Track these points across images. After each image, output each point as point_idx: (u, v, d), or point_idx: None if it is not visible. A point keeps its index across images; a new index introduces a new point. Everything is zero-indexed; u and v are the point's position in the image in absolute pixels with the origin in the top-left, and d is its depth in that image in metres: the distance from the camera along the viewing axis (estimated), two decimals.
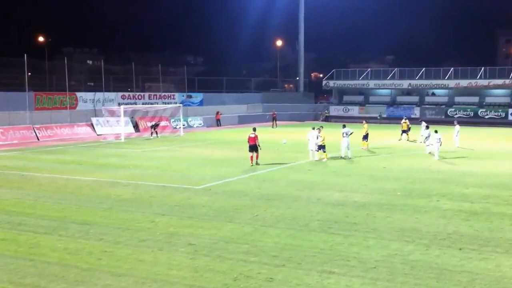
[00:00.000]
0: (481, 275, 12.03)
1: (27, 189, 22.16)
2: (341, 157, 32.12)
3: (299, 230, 15.67)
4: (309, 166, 29.11)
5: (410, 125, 44.74)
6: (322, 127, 32.15)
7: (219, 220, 16.87)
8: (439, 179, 24.66)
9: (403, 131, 44.05)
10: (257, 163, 28.69)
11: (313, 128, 31.81)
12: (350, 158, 31.90)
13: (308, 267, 12.46)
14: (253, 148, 28.73)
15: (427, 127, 35.70)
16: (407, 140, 43.19)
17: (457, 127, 38.06)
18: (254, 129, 29.57)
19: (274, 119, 63.06)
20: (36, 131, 45.68)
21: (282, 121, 66.50)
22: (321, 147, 30.66)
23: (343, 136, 32.28)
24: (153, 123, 49.80)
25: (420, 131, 43.14)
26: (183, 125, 55.71)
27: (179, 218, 17.09)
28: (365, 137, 37.52)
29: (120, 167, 28.62)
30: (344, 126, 33.04)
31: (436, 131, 32.22)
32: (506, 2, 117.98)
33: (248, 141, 28.83)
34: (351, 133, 32.44)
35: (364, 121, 39.21)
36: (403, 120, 44.97)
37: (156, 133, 48.07)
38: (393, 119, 67.29)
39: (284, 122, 68.01)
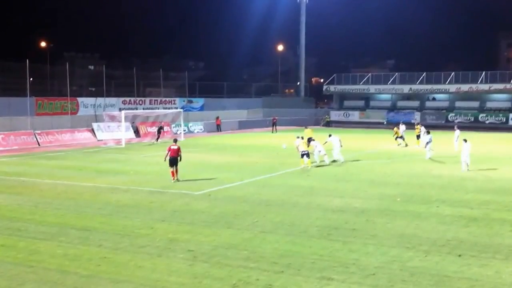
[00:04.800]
0: (480, 282, 12.03)
1: (27, 195, 22.16)
2: (333, 161, 32.49)
3: (298, 236, 15.67)
4: (308, 171, 29.14)
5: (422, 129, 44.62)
6: (302, 137, 32.15)
7: (218, 226, 16.87)
8: (439, 184, 24.68)
9: (398, 137, 43.98)
10: (177, 180, 25.51)
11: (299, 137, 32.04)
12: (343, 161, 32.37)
13: (307, 274, 12.46)
14: (174, 161, 25.55)
15: (428, 132, 35.61)
16: (406, 145, 43.03)
17: (457, 131, 38.02)
18: (175, 141, 26.77)
19: (274, 124, 63.07)
20: (37, 137, 45.67)
21: (282, 126, 66.49)
22: (306, 154, 30.14)
23: (336, 145, 32.61)
24: (158, 126, 49.94)
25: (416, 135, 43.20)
26: (184, 130, 55.69)
27: (178, 224, 17.10)
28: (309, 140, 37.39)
29: (120, 173, 28.64)
30: (330, 136, 33.51)
31: (465, 140, 30.25)
32: (507, 6, 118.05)
33: (169, 153, 25.63)
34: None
35: (305, 127, 39.82)
36: (400, 125, 45.02)
37: (159, 136, 48.01)
38: (394, 124, 67.50)
39: (285, 127, 67.95)
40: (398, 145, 43.32)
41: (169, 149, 25.69)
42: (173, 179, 25.60)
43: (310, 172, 28.92)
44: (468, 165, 29.04)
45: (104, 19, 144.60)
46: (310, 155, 30.89)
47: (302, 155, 30.16)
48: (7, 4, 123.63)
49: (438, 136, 40.93)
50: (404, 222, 17.41)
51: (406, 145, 43.15)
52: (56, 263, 13.25)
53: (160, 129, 48.89)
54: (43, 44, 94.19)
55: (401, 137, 43.71)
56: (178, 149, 25.64)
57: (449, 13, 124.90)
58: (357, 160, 34.08)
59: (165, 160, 26.05)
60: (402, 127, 44.86)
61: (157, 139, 47.84)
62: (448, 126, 62.93)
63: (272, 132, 61.51)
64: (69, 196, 22.00)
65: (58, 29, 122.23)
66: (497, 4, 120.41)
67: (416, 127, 44.83)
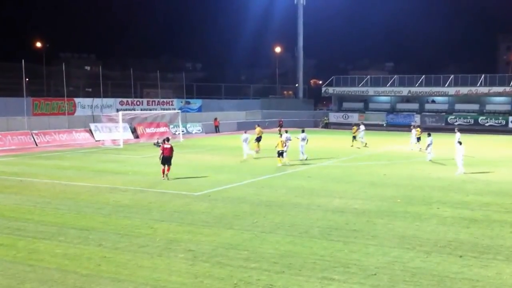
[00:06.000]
0: (481, 283, 12.00)
1: (25, 195, 22.07)
2: (299, 160, 33.57)
3: (299, 236, 15.62)
4: (308, 172, 29.10)
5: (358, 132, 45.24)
6: (286, 131, 33.88)
7: (219, 226, 16.80)
8: (439, 186, 24.63)
9: (354, 137, 44.60)
10: (167, 178, 25.90)
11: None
12: (306, 159, 33.68)
13: (308, 274, 12.41)
14: (167, 160, 25.97)
15: (429, 135, 35.29)
16: (357, 147, 43.34)
17: (458, 134, 37.82)
18: (168, 139, 27.16)
19: (280, 126, 62.82)
20: (34, 137, 45.54)
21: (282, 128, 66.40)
22: (281, 153, 31.17)
23: (301, 140, 34.02)
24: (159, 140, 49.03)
25: (411, 137, 43.17)
26: (182, 131, 55.59)
27: (178, 224, 17.02)
28: (258, 139, 38.89)
29: (119, 173, 28.55)
30: (303, 131, 34.86)
31: (460, 143, 29.54)
32: (507, 9, 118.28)
33: (162, 152, 26.06)
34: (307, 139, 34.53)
35: (256, 125, 41.14)
36: (358, 127, 45.72)
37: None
38: (394, 126, 68.02)
39: (283, 128, 67.81)
40: (358, 147, 43.60)
41: (163, 148, 26.22)
42: (163, 177, 26.05)
43: (309, 173, 28.88)
44: (460, 168, 28.79)
45: (101, 19, 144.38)
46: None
47: (279, 154, 31.13)
48: (2, 5, 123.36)
49: (438, 139, 40.82)
50: (405, 223, 17.36)
51: (366, 145, 43.95)
52: (56, 263, 13.18)
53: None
54: (39, 44, 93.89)
55: (355, 137, 44.37)
56: (171, 148, 26.16)
57: (448, 16, 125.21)
58: (357, 162, 34.04)
59: (159, 159, 26.40)
60: (362, 127, 45.90)
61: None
62: (447, 128, 62.91)
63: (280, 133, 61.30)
64: (68, 196, 21.92)
65: (54, 30, 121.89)
66: (497, 7, 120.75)
67: (416, 130, 44.74)
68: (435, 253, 14.09)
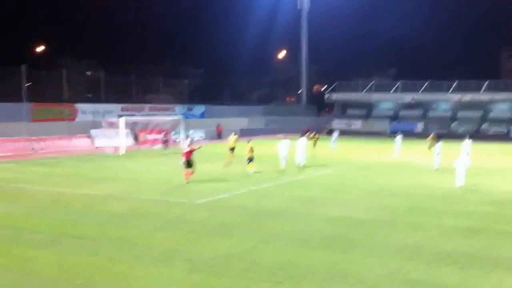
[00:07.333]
0: None
1: (20, 202, 21.88)
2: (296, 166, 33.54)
3: (298, 246, 15.43)
4: (307, 181, 28.95)
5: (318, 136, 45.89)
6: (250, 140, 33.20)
7: (217, 235, 16.62)
8: (439, 196, 24.42)
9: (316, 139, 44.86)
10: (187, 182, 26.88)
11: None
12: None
13: (307, 284, 12.25)
14: (187, 163, 26.94)
15: (438, 140, 34.58)
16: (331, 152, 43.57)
17: (469, 141, 36.87)
18: (190, 143, 28.19)
19: (308, 131, 62.23)
20: (33, 143, 45.27)
21: (283, 134, 66.23)
22: (251, 160, 31.01)
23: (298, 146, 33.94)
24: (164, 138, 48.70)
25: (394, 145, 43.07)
26: (189, 138, 55.28)
27: (176, 233, 16.84)
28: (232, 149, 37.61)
29: (117, 180, 28.37)
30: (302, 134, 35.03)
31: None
32: (509, 19, 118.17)
33: (184, 156, 27.17)
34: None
35: (233, 133, 39.36)
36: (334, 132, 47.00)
37: (167, 145, 47.27)
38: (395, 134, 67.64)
39: (286, 134, 67.65)
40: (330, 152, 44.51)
41: (183, 154, 27.25)
42: (186, 180, 26.79)
43: (310, 182, 28.75)
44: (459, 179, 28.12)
45: (101, 24, 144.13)
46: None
47: (249, 161, 31.03)
48: (2, 9, 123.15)
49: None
50: (405, 233, 17.17)
51: (313, 156, 41.69)
52: (50, 272, 13.01)
53: (166, 140, 47.93)
54: (39, 49, 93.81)
55: (316, 140, 44.40)
56: (189, 152, 27.05)
57: (452, 23, 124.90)
58: (357, 171, 33.89)
59: (181, 164, 27.29)
60: (336, 133, 45.61)
61: (165, 146, 47.05)
62: (451, 136, 62.45)
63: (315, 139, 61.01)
64: (64, 203, 21.70)
65: (54, 34, 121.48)
66: (500, 15, 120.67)
67: (430, 137, 43.79)
68: (435, 264, 13.90)
